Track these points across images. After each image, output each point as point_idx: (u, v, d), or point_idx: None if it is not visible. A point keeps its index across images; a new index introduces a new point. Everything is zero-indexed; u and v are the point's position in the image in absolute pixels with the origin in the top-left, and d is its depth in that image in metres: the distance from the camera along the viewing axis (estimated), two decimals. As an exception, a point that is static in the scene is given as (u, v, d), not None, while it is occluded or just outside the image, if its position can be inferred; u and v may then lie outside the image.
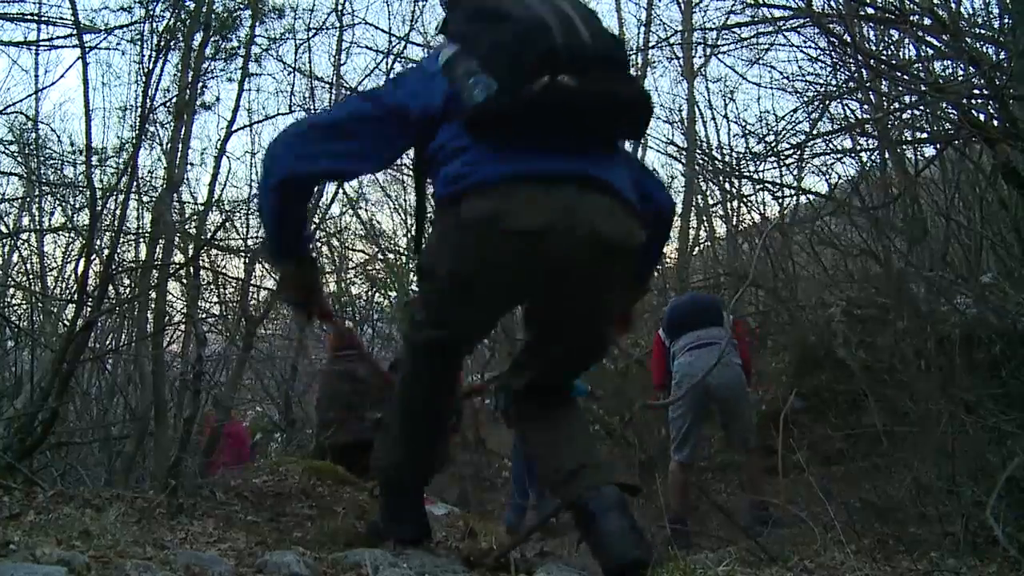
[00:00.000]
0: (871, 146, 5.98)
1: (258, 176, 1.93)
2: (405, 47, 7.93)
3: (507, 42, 1.64)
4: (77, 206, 6.58)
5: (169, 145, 6.93)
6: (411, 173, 2.02)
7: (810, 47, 4.68)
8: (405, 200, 11.80)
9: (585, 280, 1.71)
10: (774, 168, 5.91)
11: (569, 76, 1.59)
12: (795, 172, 6.62)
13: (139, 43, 6.04)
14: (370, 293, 11.35)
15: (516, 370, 2.01)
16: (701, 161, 8.10)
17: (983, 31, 4.09)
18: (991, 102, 3.49)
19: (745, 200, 8.58)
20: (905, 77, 4.02)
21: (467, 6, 1.79)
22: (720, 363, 4.01)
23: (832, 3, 4.47)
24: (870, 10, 4.06)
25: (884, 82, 4.46)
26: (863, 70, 4.43)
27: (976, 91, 3.55)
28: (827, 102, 4.62)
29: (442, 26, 1.86)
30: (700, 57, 9.19)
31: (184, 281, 6.15)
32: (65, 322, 4.23)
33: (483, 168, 1.65)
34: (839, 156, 5.62)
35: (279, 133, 1.83)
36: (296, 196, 1.83)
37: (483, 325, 2.04)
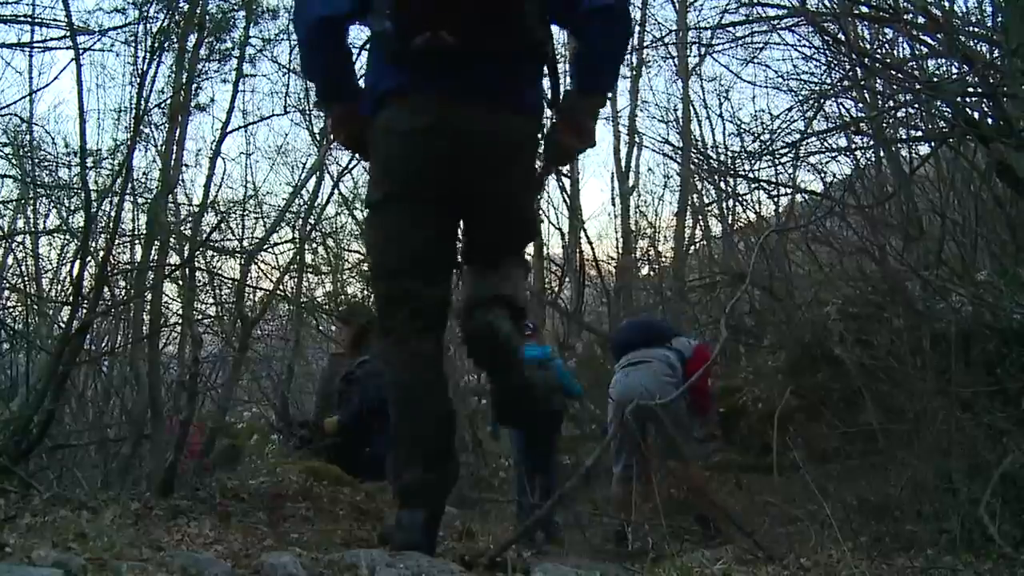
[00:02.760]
0: (866, 144, 6.00)
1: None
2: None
3: None
4: (72, 208, 6.58)
5: (164, 147, 6.93)
6: None
7: (805, 46, 4.69)
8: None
9: (483, 165, 1.91)
10: (769, 167, 5.91)
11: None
12: (790, 171, 6.63)
13: (133, 45, 6.06)
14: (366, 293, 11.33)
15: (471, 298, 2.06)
16: (696, 160, 8.12)
17: (977, 29, 4.11)
18: (985, 100, 3.51)
19: (740, 199, 8.61)
20: (899, 76, 4.03)
21: None
22: (649, 374, 4.25)
23: (826, 2, 4.49)
24: (864, 8, 4.08)
25: (879, 80, 4.47)
26: (857, 69, 4.43)
27: (970, 89, 3.57)
28: (822, 101, 4.63)
29: None
30: (695, 56, 9.21)
31: (180, 283, 6.14)
32: (60, 324, 4.22)
33: (383, 81, 1.92)
34: (834, 155, 5.65)
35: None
36: (328, 40, 1.95)
37: (435, 244, 2.00)
